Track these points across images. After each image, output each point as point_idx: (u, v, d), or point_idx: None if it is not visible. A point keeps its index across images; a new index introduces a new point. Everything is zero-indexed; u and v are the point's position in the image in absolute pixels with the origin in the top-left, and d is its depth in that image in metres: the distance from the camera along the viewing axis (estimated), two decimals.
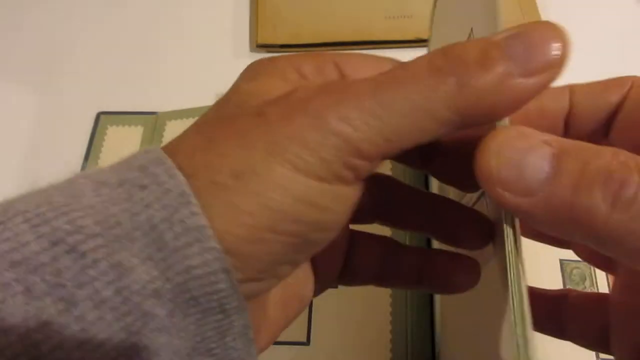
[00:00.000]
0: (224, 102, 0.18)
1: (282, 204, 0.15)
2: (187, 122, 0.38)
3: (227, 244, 0.15)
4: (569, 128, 0.20)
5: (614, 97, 0.20)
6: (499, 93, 0.15)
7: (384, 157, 0.16)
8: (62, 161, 0.46)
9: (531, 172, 0.14)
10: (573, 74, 0.46)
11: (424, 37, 0.54)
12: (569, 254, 0.25)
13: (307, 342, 0.36)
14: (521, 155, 0.15)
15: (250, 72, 0.19)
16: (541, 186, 0.14)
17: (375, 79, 0.16)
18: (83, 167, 0.45)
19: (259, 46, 0.53)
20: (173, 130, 0.44)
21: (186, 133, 0.17)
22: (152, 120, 0.46)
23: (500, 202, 0.15)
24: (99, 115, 0.48)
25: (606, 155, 0.14)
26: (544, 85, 0.16)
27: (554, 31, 0.16)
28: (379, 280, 0.24)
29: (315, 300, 0.37)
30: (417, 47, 0.55)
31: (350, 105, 0.15)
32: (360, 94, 0.16)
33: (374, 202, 0.22)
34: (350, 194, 0.17)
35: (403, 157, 0.18)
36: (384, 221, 0.23)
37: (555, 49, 0.15)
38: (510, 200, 0.14)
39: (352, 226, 0.23)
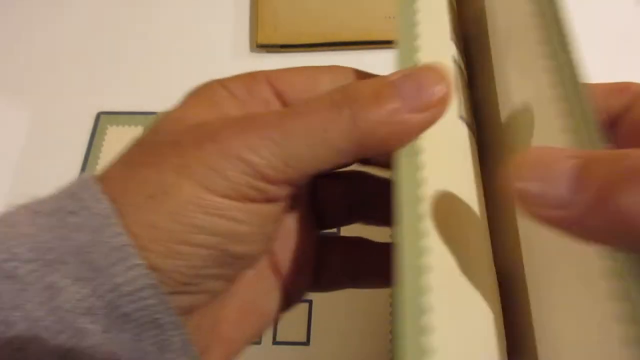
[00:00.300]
0: (153, 128, 0.20)
1: (193, 219, 0.17)
2: None
3: (150, 260, 0.17)
4: None
5: (616, 103, 0.20)
6: (390, 126, 0.17)
7: (291, 183, 0.18)
8: (62, 161, 0.46)
9: (559, 182, 0.14)
10: None
11: None
12: None
13: (307, 342, 0.36)
14: (547, 168, 0.14)
15: (184, 96, 0.21)
16: (573, 195, 0.13)
17: (281, 112, 0.18)
18: (83, 167, 0.45)
19: (259, 46, 0.53)
20: None
21: (116, 159, 0.19)
22: (151, 120, 0.46)
23: (540, 219, 0.14)
24: (99, 115, 0.48)
25: (633, 155, 0.13)
26: (430, 122, 0.17)
27: (440, 75, 0.18)
28: (356, 282, 0.24)
29: (316, 300, 0.37)
30: None
31: (255, 134, 0.17)
32: (266, 125, 0.18)
33: (349, 202, 0.23)
34: (265, 211, 0.18)
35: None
36: (365, 220, 0.24)
37: (439, 91, 0.17)
38: (548, 214, 0.14)
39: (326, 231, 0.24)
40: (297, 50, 0.54)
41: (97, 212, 0.17)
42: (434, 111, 0.17)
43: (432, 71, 0.18)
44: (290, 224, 0.22)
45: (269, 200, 0.18)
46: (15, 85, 0.51)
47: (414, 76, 0.18)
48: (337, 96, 0.18)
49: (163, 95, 0.49)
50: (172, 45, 0.54)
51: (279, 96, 0.21)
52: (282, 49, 0.54)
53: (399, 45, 0.19)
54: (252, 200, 0.18)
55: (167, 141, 0.18)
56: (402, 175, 0.16)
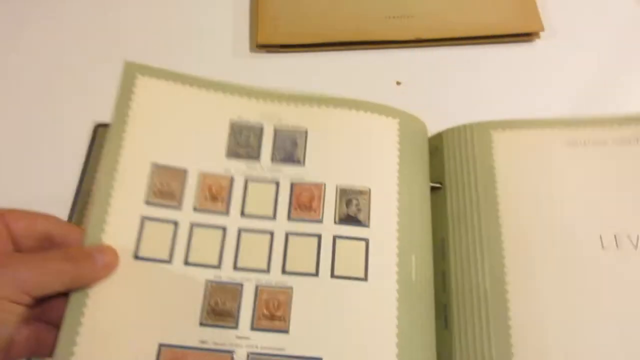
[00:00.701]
0: None
1: None
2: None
3: None
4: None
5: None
6: (89, 275, 0.35)
7: (36, 297, 0.32)
8: (60, 171, 0.47)
9: None
10: (575, 74, 0.50)
11: (424, 37, 0.55)
12: None
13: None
14: None
15: None
16: None
17: (40, 256, 0.33)
18: (81, 177, 0.46)
19: (259, 46, 0.54)
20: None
21: None
22: None
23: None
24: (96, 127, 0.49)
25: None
26: (108, 272, 0.35)
27: (110, 252, 0.36)
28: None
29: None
30: (417, 47, 0.55)
31: (28, 265, 0.32)
32: (33, 261, 0.32)
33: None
34: (18, 311, 0.31)
35: None
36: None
37: (108, 260, 0.35)
38: None
39: None
40: (297, 50, 0.55)
41: None
42: (109, 270, 0.35)
43: (108, 249, 0.36)
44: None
45: (24, 304, 0.31)
46: (15, 93, 0.52)
47: (101, 250, 0.35)
48: (66, 255, 0.33)
49: None
50: (172, 45, 0.55)
51: (6, 227, 0.33)
52: (282, 49, 0.54)
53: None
54: (17, 303, 0.31)
55: None
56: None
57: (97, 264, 0.34)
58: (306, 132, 0.41)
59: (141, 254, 0.36)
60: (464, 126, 0.45)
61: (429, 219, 0.42)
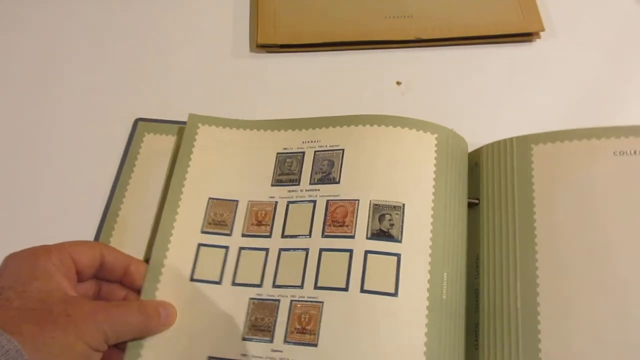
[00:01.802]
0: (25, 294, 0.33)
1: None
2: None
3: None
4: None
5: None
6: (158, 326, 0.39)
7: (111, 344, 0.35)
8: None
9: None
10: (575, 73, 0.50)
11: (424, 37, 0.54)
12: None
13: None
14: None
15: (17, 269, 0.35)
16: None
17: (119, 308, 0.37)
18: (118, 174, 0.49)
19: (259, 46, 0.54)
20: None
21: (14, 321, 0.32)
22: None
23: None
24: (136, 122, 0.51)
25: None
26: (167, 327, 0.39)
27: (168, 308, 0.39)
28: None
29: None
30: (417, 47, 0.55)
31: (111, 318, 0.35)
32: (115, 314, 0.35)
33: None
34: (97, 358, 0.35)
35: None
36: None
37: (171, 315, 0.39)
38: None
39: None
40: (297, 50, 0.55)
41: (8, 349, 0.29)
42: (169, 323, 0.39)
43: (170, 307, 0.39)
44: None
45: (103, 351, 0.35)
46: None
47: (164, 307, 0.39)
48: (143, 308, 0.38)
49: (163, 95, 0.53)
50: (171, 46, 0.56)
51: (75, 263, 0.36)
52: (282, 49, 0.55)
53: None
54: (99, 351, 0.34)
55: (60, 312, 0.33)
56: None
57: (161, 318, 0.38)
58: (342, 152, 0.43)
59: (196, 276, 0.41)
60: (504, 140, 0.42)
61: (464, 236, 0.40)
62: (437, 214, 0.39)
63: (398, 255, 0.38)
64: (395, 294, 0.37)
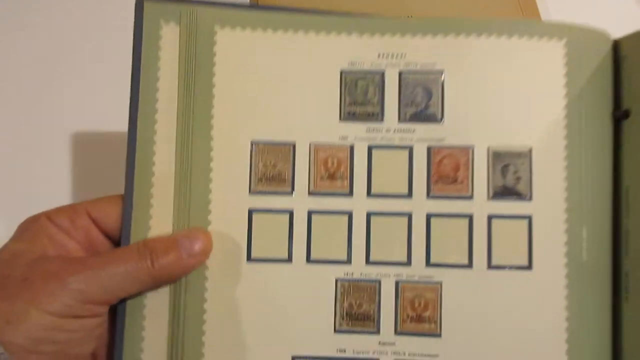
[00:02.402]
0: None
1: (39, 335, 0.27)
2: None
3: None
4: None
5: None
6: (175, 267, 0.29)
7: (109, 303, 0.29)
8: None
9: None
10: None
11: None
12: None
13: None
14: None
15: (18, 232, 0.30)
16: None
17: (105, 257, 0.29)
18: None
19: None
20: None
21: None
22: None
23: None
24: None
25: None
26: (201, 262, 0.30)
27: (203, 234, 0.30)
28: None
29: None
30: None
31: (86, 274, 0.27)
32: (94, 266, 0.28)
33: None
34: (92, 323, 0.29)
35: None
36: None
37: (203, 244, 0.30)
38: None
39: None
40: None
41: None
42: (200, 257, 0.30)
43: (198, 232, 0.30)
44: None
45: (95, 315, 0.29)
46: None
47: (188, 235, 0.30)
48: (141, 248, 0.29)
49: None
50: None
51: (97, 223, 0.31)
52: None
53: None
54: (82, 317, 0.28)
55: (17, 278, 0.27)
56: None
57: (183, 251, 0.29)
58: (442, 75, 0.32)
59: (255, 254, 0.31)
60: None
61: (609, 165, 0.32)
62: (573, 153, 0.31)
63: (529, 218, 0.31)
64: (529, 267, 0.31)
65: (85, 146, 0.46)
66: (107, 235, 0.31)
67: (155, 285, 0.30)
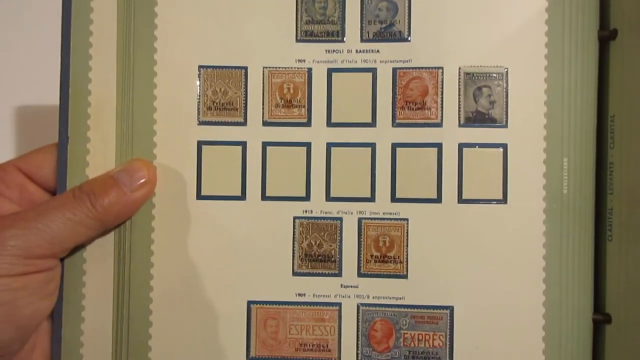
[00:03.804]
0: None
1: None
2: None
3: None
4: None
5: None
6: (119, 204, 0.27)
7: (56, 255, 0.27)
8: None
9: None
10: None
11: None
12: None
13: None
14: None
15: None
16: None
17: (38, 208, 0.27)
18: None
19: None
20: None
21: None
22: None
23: None
24: None
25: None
26: (146, 195, 0.28)
27: (144, 164, 0.28)
28: None
29: None
30: None
31: (21, 226, 0.26)
32: (28, 219, 0.26)
33: None
34: (40, 278, 0.27)
35: None
36: None
37: (144, 175, 0.28)
38: None
39: None
40: None
41: None
42: (145, 189, 0.28)
43: (138, 163, 0.28)
44: None
45: (41, 270, 0.26)
46: None
47: (126, 169, 0.28)
48: (77, 192, 0.27)
49: None
50: None
51: (31, 178, 0.29)
52: None
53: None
54: (26, 273, 0.26)
55: None
56: None
57: (124, 187, 0.27)
58: None
59: (205, 191, 0.29)
60: None
61: (593, 90, 0.29)
62: (554, 75, 0.29)
63: (504, 146, 0.28)
64: (504, 200, 0.28)
65: (28, 121, 0.43)
66: (48, 190, 0.29)
67: (104, 228, 0.28)
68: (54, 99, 0.29)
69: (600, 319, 0.29)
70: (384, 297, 0.28)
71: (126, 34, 0.28)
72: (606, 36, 0.29)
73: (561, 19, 0.29)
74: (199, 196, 0.29)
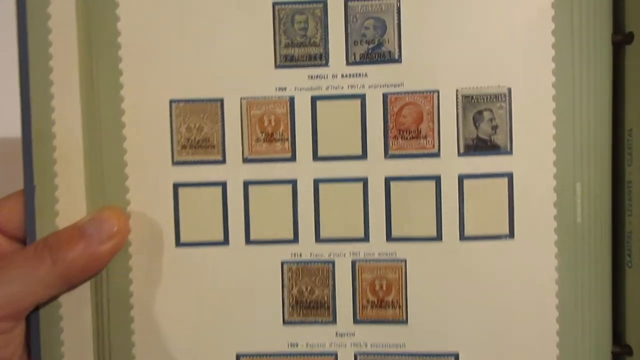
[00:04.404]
0: None
1: None
2: None
3: None
4: None
5: None
6: (85, 259, 0.25)
7: (14, 317, 0.25)
8: None
9: None
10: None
11: None
12: None
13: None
14: None
15: None
16: None
17: None
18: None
19: None
20: None
21: None
22: None
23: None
24: None
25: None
26: (115, 248, 0.26)
27: (114, 213, 0.26)
28: None
29: None
30: None
31: None
32: None
33: None
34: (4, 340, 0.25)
35: None
36: None
37: (114, 225, 0.25)
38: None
39: None
40: None
41: None
42: (115, 241, 0.25)
43: (107, 212, 0.26)
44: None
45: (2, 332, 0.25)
46: None
47: (95, 218, 0.26)
48: (39, 246, 0.25)
49: None
50: None
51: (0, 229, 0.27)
52: None
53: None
54: None
55: None
56: None
57: (91, 239, 0.25)
58: (398, 1, 0.26)
59: (185, 237, 0.27)
60: None
61: (608, 103, 0.26)
62: (563, 91, 0.26)
63: (509, 175, 0.26)
64: (510, 235, 0.26)
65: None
66: (21, 241, 0.27)
67: (70, 285, 0.26)
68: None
69: (619, 351, 0.27)
70: (383, 345, 0.26)
71: (89, 69, 0.26)
72: (621, 40, 0.26)
73: (570, 26, 0.26)
74: (178, 243, 0.27)
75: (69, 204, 0.26)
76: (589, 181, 0.26)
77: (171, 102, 0.26)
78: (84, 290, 0.27)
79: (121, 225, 0.26)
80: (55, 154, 0.26)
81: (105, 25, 0.26)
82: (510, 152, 0.26)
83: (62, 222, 0.26)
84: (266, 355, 0.27)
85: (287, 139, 0.26)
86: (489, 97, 0.26)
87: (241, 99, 0.26)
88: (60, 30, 0.26)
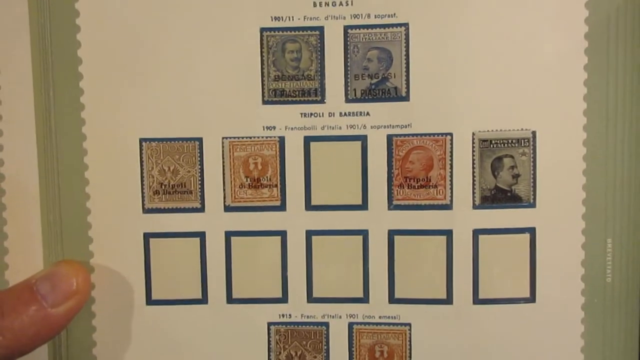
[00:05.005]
0: None
1: None
2: None
3: None
4: None
5: None
6: (36, 325, 0.21)
7: None
8: None
9: None
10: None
11: None
12: None
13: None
14: None
15: None
16: None
17: None
18: None
19: None
20: None
21: None
22: None
23: None
24: None
25: None
26: (74, 309, 0.22)
27: (72, 269, 0.22)
28: None
29: None
30: None
31: None
32: None
33: None
34: None
35: None
36: None
37: (72, 283, 0.22)
38: None
39: None
40: None
41: None
42: (73, 301, 0.22)
43: (64, 268, 0.22)
44: None
45: None
46: None
47: (50, 275, 0.22)
48: None
49: None
50: None
51: None
52: None
53: None
54: None
55: None
56: None
57: (43, 301, 0.21)
58: (406, 29, 0.22)
59: (157, 294, 0.23)
60: None
61: None
62: (594, 132, 0.23)
63: (531, 231, 0.23)
64: (532, 299, 0.23)
65: None
66: None
67: (20, 354, 0.22)
68: None
69: None
70: None
71: (46, 101, 0.23)
72: None
73: (605, 61, 0.22)
74: (149, 301, 0.23)
75: (21, 256, 0.23)
76: (621, 236, 0.23)
77: (142, 140, 0.23)
78: (40, 354, 0.23)
79: (80, 283, 0.22)
80: (4, 199, 0.23)
81: (64, 52, 0.22)
82: (534, 205, 0.23)
83: (13, 277, 0.23)
84: None
85: (276, 185, 0.23)
86: (510, 141, 0.22)
87: (223, 138, 0.23)
88: (10, 55, 0.22)
